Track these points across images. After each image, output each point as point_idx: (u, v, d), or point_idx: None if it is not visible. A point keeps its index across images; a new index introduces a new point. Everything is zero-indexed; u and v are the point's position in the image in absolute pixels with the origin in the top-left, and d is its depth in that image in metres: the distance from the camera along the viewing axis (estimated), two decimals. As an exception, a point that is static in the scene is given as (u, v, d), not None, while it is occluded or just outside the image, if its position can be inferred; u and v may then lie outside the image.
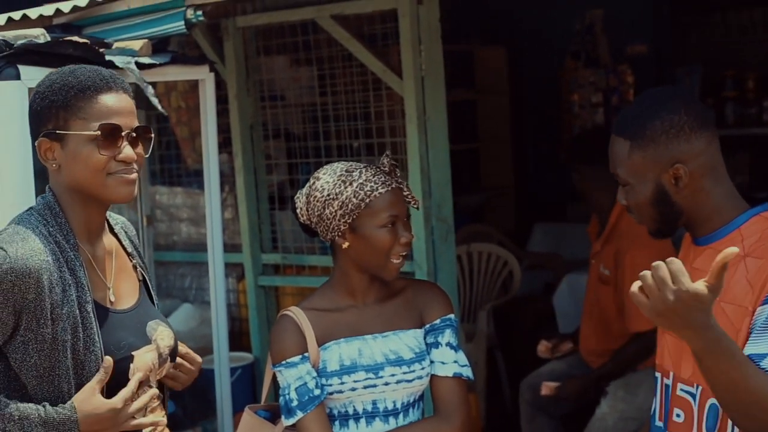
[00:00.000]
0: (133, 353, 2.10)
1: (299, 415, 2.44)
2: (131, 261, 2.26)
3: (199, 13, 3.53)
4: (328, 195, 2.44)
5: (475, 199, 7.61)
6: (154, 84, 3.43)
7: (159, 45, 3.84)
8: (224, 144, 4.94)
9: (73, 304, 2.01)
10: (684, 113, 2.07)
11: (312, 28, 4.47)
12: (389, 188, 2.45)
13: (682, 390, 2.17)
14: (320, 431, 2.44)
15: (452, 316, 2.61)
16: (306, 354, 2.47)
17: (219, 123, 4.04)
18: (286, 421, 2.47)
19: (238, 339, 5.09)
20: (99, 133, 2.04)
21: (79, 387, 2.02)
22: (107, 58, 3.26)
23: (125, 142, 2.08)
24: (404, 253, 2.48)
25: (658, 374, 2.30)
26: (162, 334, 2.21)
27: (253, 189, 4.80)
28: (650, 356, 2.37)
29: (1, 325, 1.96)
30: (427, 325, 2.58)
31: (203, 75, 3.88)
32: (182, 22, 3.55)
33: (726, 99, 7.39)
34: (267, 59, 4.80)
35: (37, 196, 3.07)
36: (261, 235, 4.83)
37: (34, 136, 2.10)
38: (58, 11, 3.77)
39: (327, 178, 2.47)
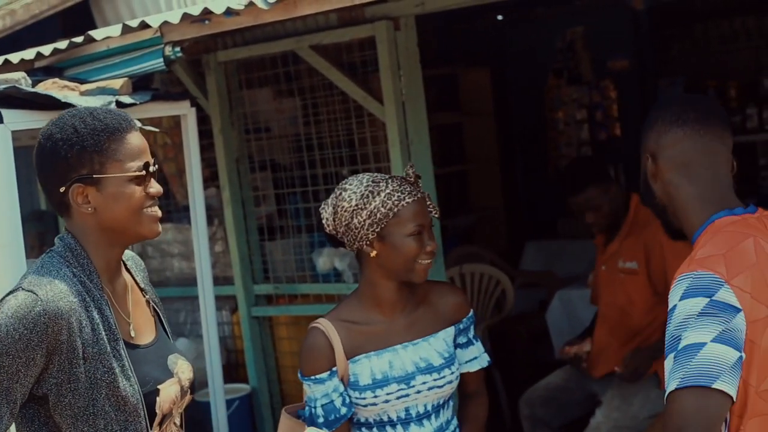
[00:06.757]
0: (158, 387, 2.13)
1: (324, 431, 2.53)
2: (144, 296, 2.28)
3: (177, 49, 3.56)
4: (356, 205, 2.49)
5: (465, 221, 7.63)
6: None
7: (141, 82, 3.87)
8: (212, 178, 4.97)
9: (104, 343, 2.03)
10: (665, 110, 2.14)
11: (292, 59, 4.52)
12: (415, 198, 2.51)
13: None
14: None
15: (471, 311, 2.77)
16: (334, 369, 2.54)
17: (206, 157, 4.06)
18: None
19: (234, 370, 5.10)
20: (143, 173, 2.09)
21: (124, 422, 2.04)
22: (86, 98, 3.29)
23: (152, 178, 2.14)
24: (430, 259, 2.57)
25: None
26: (182, 368, 2.23)
27: (242, 221, 4.82)
28: None
29: (33, 367, 1.96)
30: (458, 325, 2.70)
31: (184, 110, 3.91)
32: (161, 60, 3.59)
33: (709, 108, 7.44)
34: (249, 92, 4.83)
35: (24, 238, 3.11)
36: (252, 266, 4.85)
37: (59, 182, 2.05)
38: (39, 54, 3.81)
39: (354, 188, 2.52)
